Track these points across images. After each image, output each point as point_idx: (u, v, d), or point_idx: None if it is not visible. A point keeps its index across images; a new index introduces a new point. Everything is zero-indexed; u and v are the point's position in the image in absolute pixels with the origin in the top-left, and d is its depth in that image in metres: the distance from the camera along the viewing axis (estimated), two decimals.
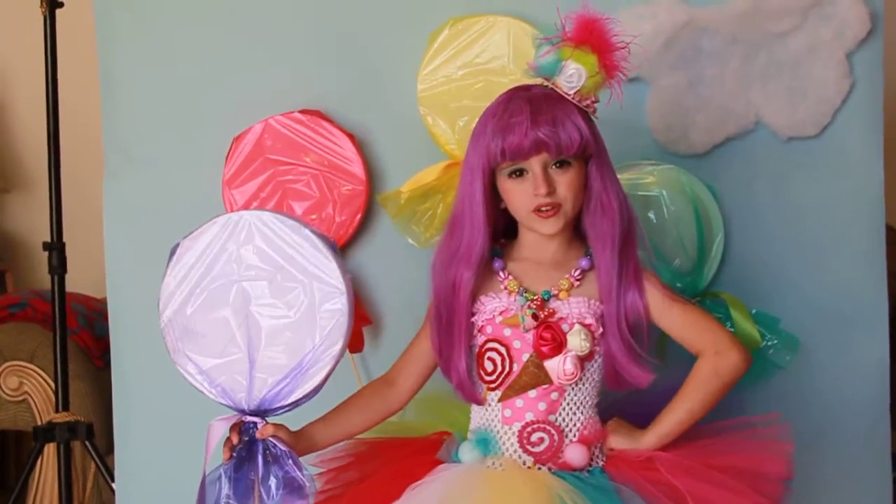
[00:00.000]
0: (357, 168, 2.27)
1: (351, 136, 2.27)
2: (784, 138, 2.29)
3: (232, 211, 2.26)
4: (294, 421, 1.85)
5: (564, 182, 1.79)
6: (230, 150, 2.28)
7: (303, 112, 2.28)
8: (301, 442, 1.83)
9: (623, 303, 1.82)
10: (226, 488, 1.76)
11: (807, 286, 2.30)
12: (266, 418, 1.81)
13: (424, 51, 2.27)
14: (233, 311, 1.77)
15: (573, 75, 1.77)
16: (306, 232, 1.78)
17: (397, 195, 2.26)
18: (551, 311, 1.83)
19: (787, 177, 2.30)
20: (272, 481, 1.77)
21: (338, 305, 1.76)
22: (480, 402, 1.86)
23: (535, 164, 1.78)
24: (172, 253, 1.80)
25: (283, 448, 1.78)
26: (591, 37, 1.76)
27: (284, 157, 2.27)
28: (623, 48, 1.79)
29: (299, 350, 1.76)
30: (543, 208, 1.79)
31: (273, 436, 1.79)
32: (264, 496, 1.76)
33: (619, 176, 2.17)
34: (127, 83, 2.37)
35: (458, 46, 2.27)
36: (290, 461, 1.77)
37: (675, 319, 1.85)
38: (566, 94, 1.78)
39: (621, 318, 1.81)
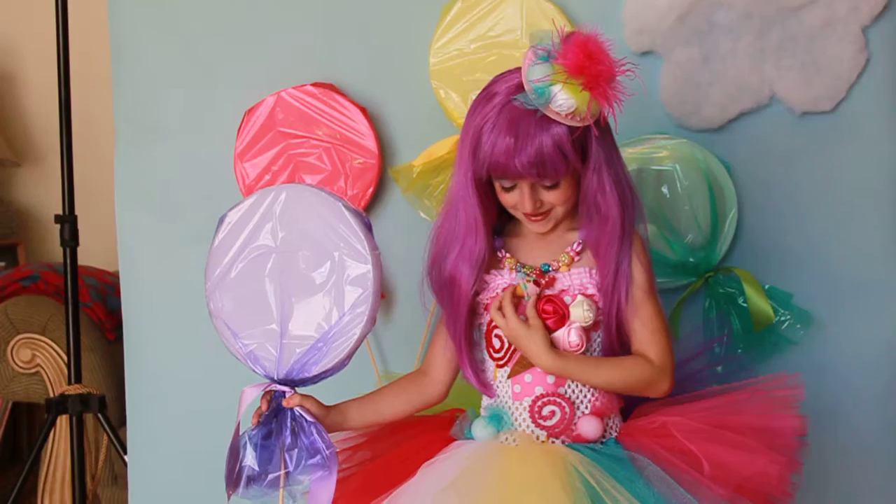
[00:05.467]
0: (369, 141, 2.26)
1: (363, 110, 2.27)
2: (798, 113, 2.28)
3: (243, 184, 2.27)
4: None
5: (553, 197, 1.77)
6: (242, 122, 2.28)
7: (315, 85, 2.27)
8: (331, 416, 1.83)
9: (611, 287, 1.79)
10: (251, 455, 1.77)
11: (820, 261, 2.29)
12: (295, 389, 1.81)
13: (437, 24, 2.27)
14: (269, 281, 1.80)
15: (562, 105, 1.67)
16: (340, 207, 1.79)
17: (409, 168, 2.26)
18: (551, 277, 1.82)
19: (801, 152, 2.29)
20: (297, 450, 1.78)
21: (365, 281, 1.77)
22: (490, 395, 1.86)
23: (522, 184, 1.76)
24: (220, 223, 1.84)
25: (310, 419, 1.79)
26: (585, 68, 1.66)
27: (296, 130, 2.26)
28: (619, 74, 1.68)
29: (326, 322, 1.78)
30: (532, 217, 1.79)
31: (300, 405, 1.80)
32: (289, 464, 1.77)
33: (632, 150, 2.19)
34: (139, 56, 2.37)
35: (470, 20, 2.26)
36: (316, 432, 1.78)
37: (643, 315, 1.82)
38: (558, 116, 1.69)
39: (613, 302, 1.80)
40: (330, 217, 1.79)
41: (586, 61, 1.66)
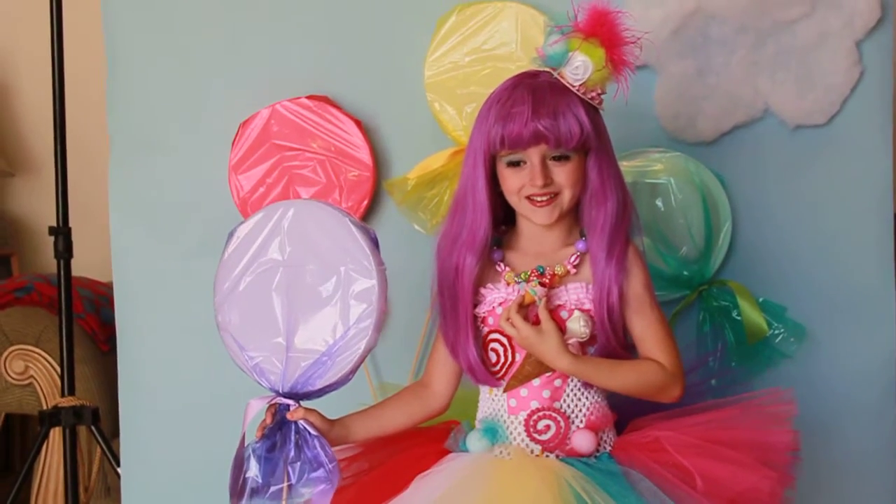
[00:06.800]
0: (364, 154, 2.26)
1: (358, 122, 2.27)
2: (792, 127, 2.29)
3: (238, 196, 2.27)
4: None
5: (562, 174, 1.79)
6: (237, 135, 2.28)
7: (310, 98, 2.27)
8: (335, 430, 1.84)
9: (603, 290, 1.81)
10: (254, 467, 1.79)
11: (814, 275, 2.29)
12: (300, 402, 1.82)
13: (432, 37, 2.27)
14: (276, 295, 1.81)
15: (579, 67, 1.76)
16: (347, 222, 1.81)
17: (404, 181, 2.26)
18: (552, 274, 1.82)
19: (794, 165, 2.30)
20: (300, 463, 1.79)
21: (370, 295, 1.79)
22: (495, 384, 1.86)
23: (533, 155, 1.78)
24: (230, 237, 1.85)
25: (313, 432, 1.80)
26: (602, 30, 1.75)
27: (291, 142, 2.26)
28: (633, 43, 1.78)
29: (331, 336, 1.80)
30: (538, 198, 1.79)
31: (304, 419, 1.80)
32: (292, 477, 1.78)
33: (626, 164, 2.19)
34: (134, 67, 2.37)
35: (465, 33, 2.26)
36: (319, 445, 1.79)
37: (647, 322, 1.85)
38: (571, 85, 1.77)
39: (602, 303, 1.81)
40: (337, 232, 1.81)
41: (602, 21, 1.76)
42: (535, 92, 1.76)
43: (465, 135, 2.20)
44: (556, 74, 1.78)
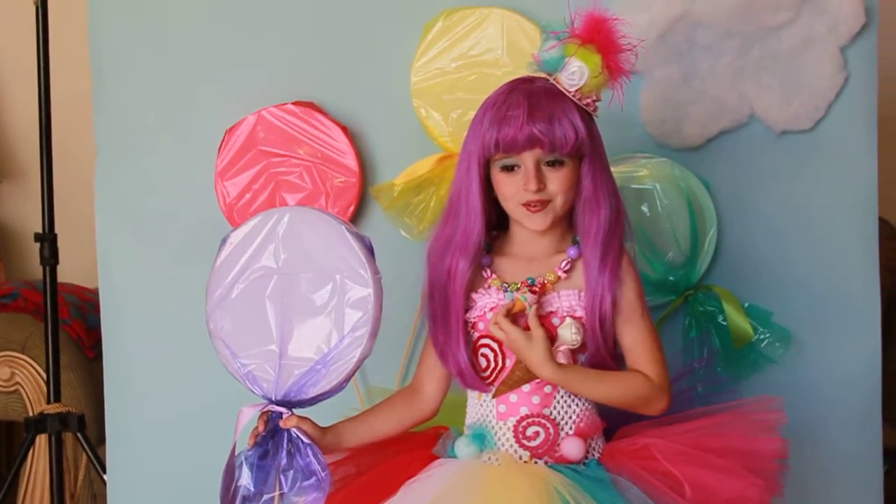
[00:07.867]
0: (350, 160, 2.26)
1: (344, 128, 2.27)
2: (778, 132, 2.29)
3: (224, 202, 2.27)
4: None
5: (556, 180, 1.79)
6: (223, 141, 2.28)
7: (296, 104, 2.27)
8: (327, 437, 1.84)
9: (596, 297, 1.81)
10: (246, 475, 1.79)
11: (799, 280, 2.30)
12: (293, 410, 1.82)
13: (418, 43, 2.27)
14: (270, 302, 1.81)
15: (575, 73, 1.76)
16: (343, 230, 1.81)
17: (390, 187, 2.26)
18: (542, 283, 1.82)
19: (780, 170, 2.30)
20: (292, 472, 1.79)
21: (365, 304, 1.79)
22: (484, 389, 1.86)
23: (527, 160, 1.78)
24: (222, 243, 1.85)
25: (306, 440, 1.80)
26: (598, 36, 1.76)
27: (277, 148, 2.26)
28: (629, 50, 1.78)
29: (325, 345, 1.79)
30: (532, 203, 1.79)
31: (296, 427, 1.80)
32: (284, 485, 1.78)
33: (612, 169, 2.17)
34: (119, 73, 2.36)
35: (451, 39, 2.26)
36: (312, 454, 1.79)
37: (637, 332, 1.85)
38: (567, 90, 1.77)
39: (594, 311, 1.81)
40: (332, 240, 1.80)
41: (599, 27, 1.76)
42: (530, 96, 1.76)
43: (452, 140, 2.21)
44: (552, 80, 1.79)
